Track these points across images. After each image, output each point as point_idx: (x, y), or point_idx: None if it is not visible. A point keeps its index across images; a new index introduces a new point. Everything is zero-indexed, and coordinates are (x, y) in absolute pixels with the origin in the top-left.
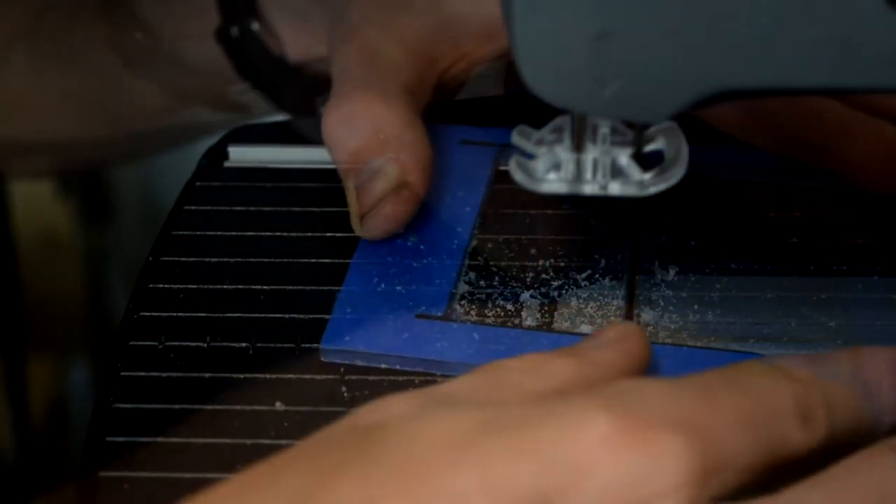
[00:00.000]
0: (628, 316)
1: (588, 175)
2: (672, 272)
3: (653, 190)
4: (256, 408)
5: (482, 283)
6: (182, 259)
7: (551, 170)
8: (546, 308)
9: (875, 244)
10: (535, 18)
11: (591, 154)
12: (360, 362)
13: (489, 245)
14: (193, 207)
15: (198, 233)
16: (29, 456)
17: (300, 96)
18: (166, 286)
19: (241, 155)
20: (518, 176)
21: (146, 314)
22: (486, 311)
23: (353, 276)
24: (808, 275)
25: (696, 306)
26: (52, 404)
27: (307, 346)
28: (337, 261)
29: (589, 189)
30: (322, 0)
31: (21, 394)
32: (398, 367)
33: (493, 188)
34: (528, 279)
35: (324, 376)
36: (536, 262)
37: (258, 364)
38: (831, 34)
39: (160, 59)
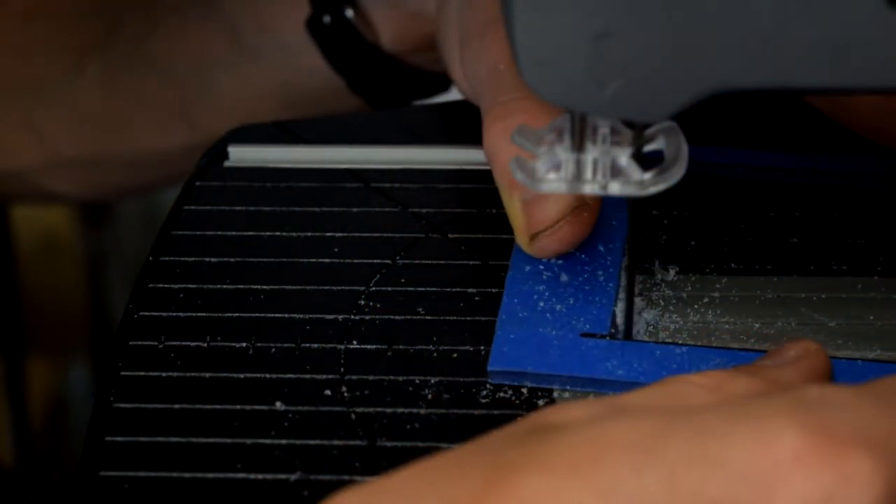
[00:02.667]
0: (628, 316)
1: (588, 175)
2: (672, 272)
3: (653, 190)
4: (256, 408)
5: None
6: (182, 259)
7: (551, 170)
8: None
9: (875, 244)
10: (535, 18)
11: (591, 154)
12: (528, 383)
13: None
14: (193, 207)
15: (198, 233)
16: (29, 456)
17: (393, 89)
18: (166, 286)
19: (241, 155)
20: (518, 176)
21: (146, 314)
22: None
23: (511, 295)
24: (808, 275)
25: (696, 306)
26: (52, 404)
27: (307, 346)
28: (336, 261)
29: (589, 189)
30: None
31: (21, 394)
32: (568, 387)
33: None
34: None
35: (324, 376)
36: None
37: (258, 364)
38: (831, 34)
39: (243, 58)
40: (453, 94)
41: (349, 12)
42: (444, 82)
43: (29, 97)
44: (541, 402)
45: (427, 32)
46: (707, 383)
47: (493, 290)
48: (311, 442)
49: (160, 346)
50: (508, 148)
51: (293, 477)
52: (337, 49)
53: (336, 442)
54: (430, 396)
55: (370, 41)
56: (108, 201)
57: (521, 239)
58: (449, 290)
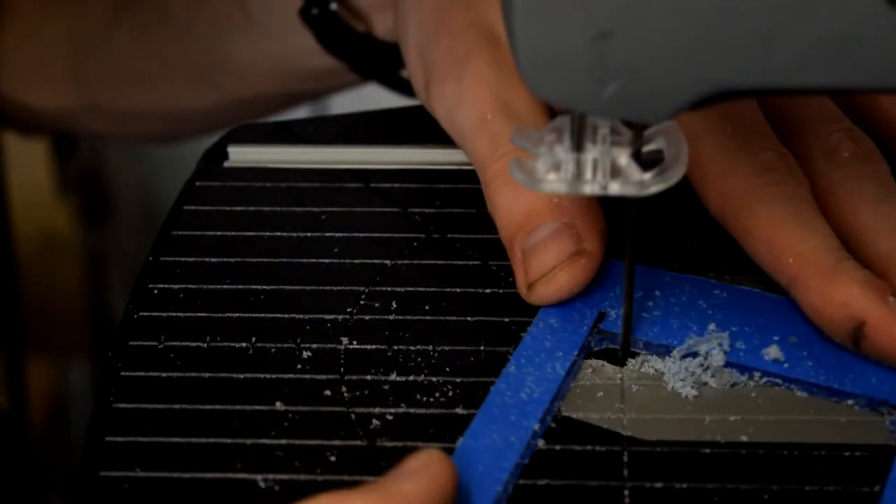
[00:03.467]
0: (627, 315)
1: (588, 175)
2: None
3: (653, 190)
4: (256, 408)
5: None
6: (182, 259)
7: (551, 170)
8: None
9: None
10: (535, 18)
11: (591, 154)
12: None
13: None
14: (193, 207)
15: (197, 233)
16: (29, 456)
17: (391, 67)
18: (166, 286)
19: (241, 155)
20: (518, 176)
21: (146, 314)
22: None
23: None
24: None
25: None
26: (52, 404)
27: (307, 345)
28: (336, 261)
29: (589, 189)
30: None
31: (21, 394)
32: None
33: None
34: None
35: (324, 376)
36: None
37: (258, 364)
38: (831, 34)
39: (253, 29)
40: None
41: (333, 6)
42: None
43: (74, 45)
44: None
45: None
46: None
47: (493, 291)
48: (311, 442)
49: (160, 347)
50: (512, 202)
51: (293, 477)
52: (329, 37)
53: (336, 442)
54: (429, 396)
55: (361, 31)
56: (142, 143)
57: (522, 290)
58: (449, 290)
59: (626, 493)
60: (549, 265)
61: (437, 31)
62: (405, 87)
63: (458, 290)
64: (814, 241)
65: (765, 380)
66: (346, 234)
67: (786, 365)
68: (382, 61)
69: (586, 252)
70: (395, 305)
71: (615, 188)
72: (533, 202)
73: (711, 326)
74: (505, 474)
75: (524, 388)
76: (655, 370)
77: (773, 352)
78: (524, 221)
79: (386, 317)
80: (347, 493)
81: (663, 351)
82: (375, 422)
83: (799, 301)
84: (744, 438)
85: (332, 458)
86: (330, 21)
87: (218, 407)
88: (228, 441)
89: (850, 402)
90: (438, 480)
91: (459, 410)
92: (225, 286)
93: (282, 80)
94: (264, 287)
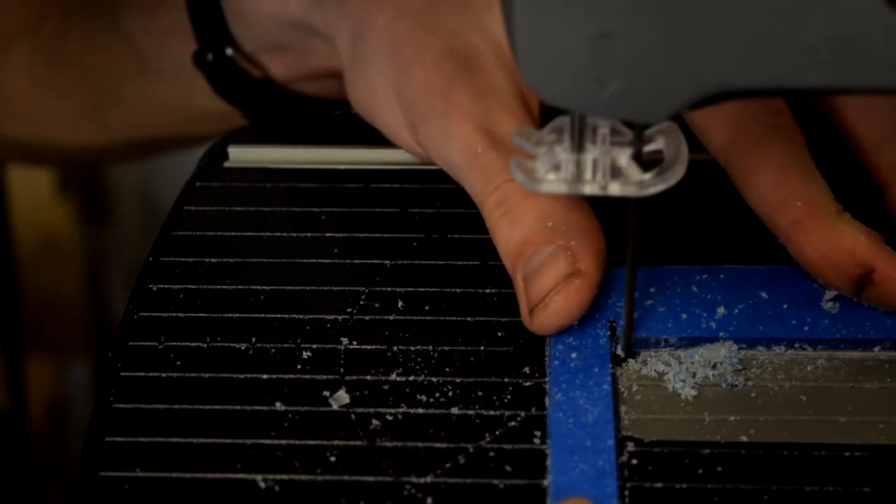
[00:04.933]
0: (628, 316)
1: (588, 175)
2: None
3: (653, 190)
4: (256, 408)
5: None
6: (182, 259)
7: (551, 170)
8: None
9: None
10: (535, 18)
11: (591, 154)
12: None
13: None
14: (193, 208)
15: (197, 233)
16: (29, 456)
17: (284, 113)
18: (166, 286)
19: (241, 155)
20: (518, 176)
21: (146, 314)
22: None
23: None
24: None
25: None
26: (52, 404)
27: (307, 346)
28: (336, 261)
29: (589, 189)
30: (296, 25)
31: (21, 394)
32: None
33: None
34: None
35: (324, 376)
36: None
37: (258, 364)
38: (831, 34)
39: (146, 73)
40: None
41: (228, 51)
42: (344, 104)
43: None
44: (533, 410)
45: (319, 66)
46: None
47: (493, 290)
48: (311, 442)
49: (160, 347)
50: (509, 233)
51: (293, 477)
52: (223, 82)
53: (336, 442)
54: (429, 396)
55: (257, 76)
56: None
57: (525, 320)
58: (449, 290)
59: (627, 493)
60: (545, 289)
61: (408, 67)
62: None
63: (458, 290)
64: (818, 187)
65: (789, 350)
66: (346, 235)
67: (806, 328)
68: (277, 107)
69: (581, 273)
70: (395, 305)
71: (615, 188)
72: (529, 230)
73: (721, 310)
74: (613, 501)
75: (583, 412)
76: (655, 371)
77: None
78: (521, 249)
79: (386, 317)
80: None
81: (678, 345)
82: (375, 422)
83: (798, 244)
84: (744, 438)
85: (332, 458)
86: (224, 66)
87: (218, 407)
88: (228, 441)
89: (876, 348)
90: None
91: (458, 411)
92: (225, 286)
93: (174, 124)
94: (264, 287)
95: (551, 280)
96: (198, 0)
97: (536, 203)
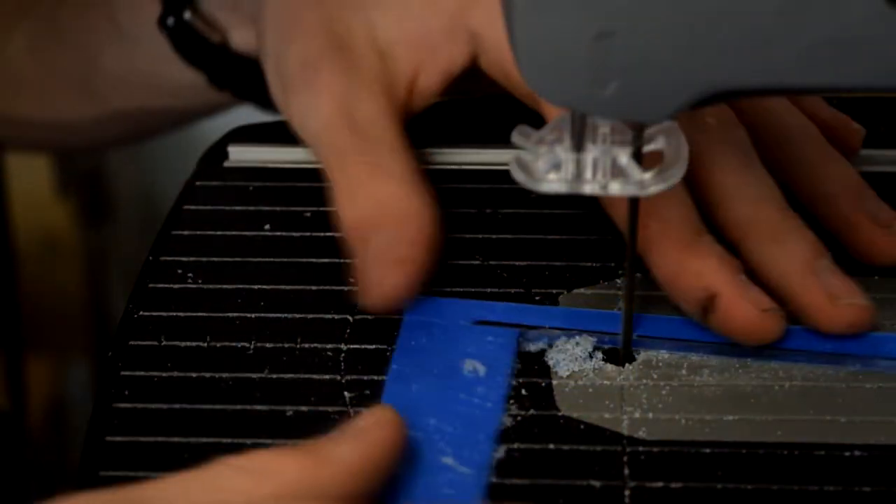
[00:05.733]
0: (628, 315)
1: (588, 175)
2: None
3: (653, 190)
4: (257, 408)
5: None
6: (182, 259)
7: (551, 170)
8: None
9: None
10: (535, 18)
11: (591, 154)
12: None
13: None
14: (193, 207)
15: (198, 233)
16: (29, 456)
17: (246, 81)
18: (166, 286)
19: (241, 155)
20: (518, 176)
21: (146, 314)
22: None
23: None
24: None
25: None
26: (52, 404)
27: (307, 346)
28: (336, 261)
29: (589, 189)
30: None
31: (21, 393)
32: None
33: (518, 383)
34: (526, 280)
35: (324, 376)
36: (537, 262)
37: (258, 364)
38: (831, 34)
39: (122, 37)
40: None
41: (187, 14)
42: None
43: None
44: (534, 410)
45: None
46: (247, 466)
47: (493, 291)
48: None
49: (160, 346)
50: (352, 212)
51: None
52: (185, 47)
53: None
54: None
55: (216, 42)
56: (36, 152)
57: (359, 296)
58: (449, 290)
59: (627, 493)
60: (377, 272)
61: (289, 37)
62: (263, 100)
63: (459, 290)
64: (676, 211)
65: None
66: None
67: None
68: (238, 73)
69: (409, 259)
70: None
71: (615, 188)
72: (366, 211)
73: None
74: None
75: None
76: (655, 370)
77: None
78: (357, 230)
79: (386, 317)
80: (277, 454)
81: (672, 347)
82: None
83: (653, 267)
84: (744, 438)
85: None
86: (186, 31)
87: (218, 407)
88: (228, 441)
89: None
90: (378, 445)
91: None
92: (225, 286)
93: (154, 94)
94: (264, 287)
95: (383, 264)
96: None
97: (377, 188)
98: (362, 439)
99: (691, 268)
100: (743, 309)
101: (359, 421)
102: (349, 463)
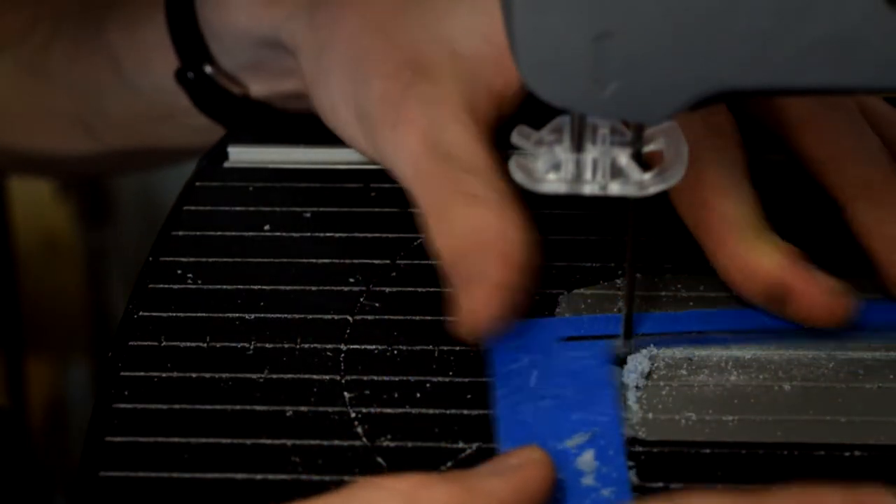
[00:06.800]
0: (628, 316)
1: (588, 175)
2: (670, 273)
3: (653, 190)
4: (256, 408)
5: None
6: (182, 259)
7: (551, 170)
8: (546, 308)
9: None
10: (535, 18)
11: (591, 154)
12: None
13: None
14: (193, 208)
15: (198, 233)
16: (29, 456)
17: (268, 127)
18: (166, 286)
19: (241, 155)
20: (518, 176)
21: (146, 314)
22: None
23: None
24: None
25: (697, 306)
26: (52, 404)
27: (307, 346)
28: (336, 261)
29: (589, 189)
30: (269, 42)
31: (21, 394)
32: None
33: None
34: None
35: (324, 376)
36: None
37: (258, 364)
38: (831, 34)
39: (128, 89)
40: None
41: (208, 69)
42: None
43: None
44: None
45: (296, 86)
46: (400, 489)
47: None
48: (311, 442)
49: (160, 347)
50: (447, 241)
51: (293, 477)
52: (205, 99)
53: (336, 442)
54: (429, 396)
55: (237, 94)
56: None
57: (457, 324)
58: (449, 290)
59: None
60: (473, 299)
61: (367, 79)
62: (285, 139)
63: None
64: (744, 207)
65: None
66: (346, 234)
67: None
68: (258, 121)
69: (505, 285)
70: (395, 305)
71: (615, 188)
72: (463, 242)
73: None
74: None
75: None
76: (656, 370)
77: None
78: (454, 259)
79: (386, 317)
80: (429, 480)
81: (673, 342)
82: (375, 422)
83: (722, 267)
84: (744, 438)
85: (332, 458)
86: (205, 84)
87: (218, 407)
88: (228, 441)
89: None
90: (531, 484)
91: (459, 411)
92: (225, 286)
93: (158, 137)
94: (264, 287)
95: (478, 291)
96: (178, 18)
97: (471, 216)
98: (514, 476)
99: (760, 267)
100: (818, 297)
101: (509, 458)
102: (501, 498)
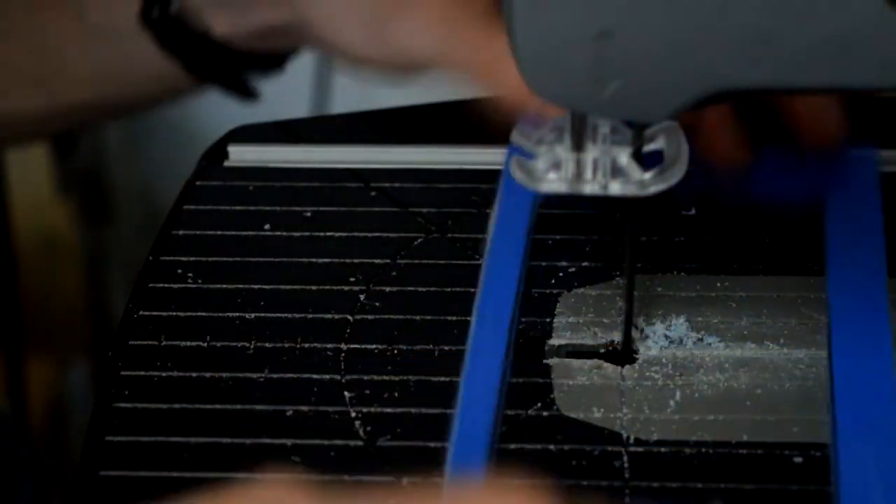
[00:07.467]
0: (628, 315)
1: (588, 175)
2: (673, 270)
3: (653, 190)
4: (256, 408)
5: None
6: (182, 259)
7: (551, 169)
8: (546, 308)
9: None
10: (535, 18)
11: (591, 154)
12: None
13: None
14: (193, 207)
15: (198, 233)
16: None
17: (225, 69)
18: (166, 286)
19: (241, 155)
20: (518, 176)
21: (146, 314)
22: None
23: None
24: (808, 275)
25: (696, 306)
26: (52, 404)
27: (307, 345)
28: (336, 260)
29: (589, 189)
30: None
31: (21, 394)
32: None
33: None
34: (526, 279)
35: (324, 376)
36: (537, 262)
37: (258, 364)
38: (831, 34)
39: (90, 35)
40: (448, 94)
41: (174, 6)
42: (279, 59)
43: None
44: (533, 410)
45: (262, 22)
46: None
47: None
48: (311, 442)
49: (160, 346)
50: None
51: (292, 476)
52: (168, 38)
53: (336, 442)
54: (429, 396)
55: (199, 30)
56: None
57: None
58: (449, 290)
59: (626, 493)
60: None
61: None
62: (242, 90)
63: (458, 289)
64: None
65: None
66: (345, 234)
67: None
68: (220, 62)
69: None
70: (395, 305)
71: (615, 188)
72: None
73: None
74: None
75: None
76: (655, 370)
77: None
78: (519, 97)
79: (386, 317)
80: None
81: (672, 342)
82: (375, 422)
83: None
84: (744, 438)
85: (332, 458)
86: (170, 23)
87: (218, 407)
88: (228, 441)
89: None
90: None
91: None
92: (225, 286)
93: (117, 86)
94: (264, 287)
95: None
96: None
97: None
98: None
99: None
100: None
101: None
102: None
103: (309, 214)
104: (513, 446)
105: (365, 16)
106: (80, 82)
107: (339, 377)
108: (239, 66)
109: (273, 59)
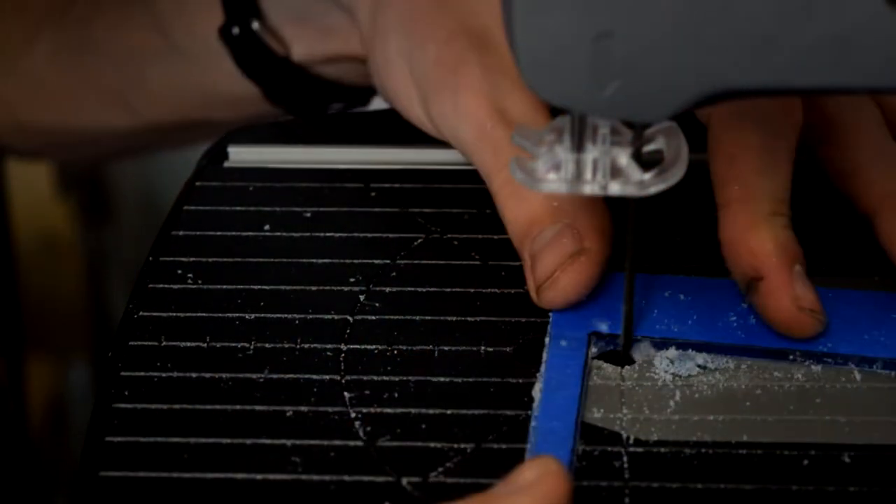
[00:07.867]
0: (627, 316)
1: (588, 175)
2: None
3: (653, 190)
4: (256, 408)
5: None
6: (182, 259)
7: (551, 170)
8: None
9: (874, 246)
10: (535, 18)
11: (591, 154)
12: None
13: None
14: (193, 207)
15: (198, 233)
16: (29, 456)
17: (304, 96)
18: (166, 286)
19: (241, 155)
20: (518, 176)
21: (146, 314)
22: None
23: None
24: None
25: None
26: (52, 404)
27: (307, 346)
28: (335, 261)
29: (589, 189)
30: None
31: (21, 394)
32: None
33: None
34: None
35: (324, 376)
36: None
37: (258, 364)
38: (831, 34)
39: (172, 54)
40: None
41: (255, 25)
42: (363, 94)
43: None
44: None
45: (340, 50)
46: None
47: (493, 291)
48: (311, 442)
49: (160, 347)
50: (517, 211)
51: (293, 477)
52: (247, 58)
53: (336, 442)
54: (429, 396)
55: (279, 54)
56: (71, 164)
57: (532, 295)
58: (449, 290)
59: (626, 493)
60: (551, 268)
61: (422, 42)
62: (314, 113)
63: (459, 289)
64: (770, 183)
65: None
66: (345, 234)
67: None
68: (297, 87)
69: (586, 251)
70: (395, 305)
71: (615, 188)
72: (535, 208)
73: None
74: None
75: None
76: (655, 370)
77: None
78: (529, 228)
79: (386, 317)
80: None
81: (666, 346)
82: (375, 422)
83: (720, 228)
84: (744, 438)
85: (332, 458)
86: (249, 42)
87: (218, 407)
88: (228, 441)
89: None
90: (552, 496)
91: (460, 411)
92: (225, 286)
93: (197, 107)
94: (264, 287)
95: (557, 258)
96: None
97: None
98: (535, 492)
99: (749, 243)
100: (782, 300)
101: (525, 472)
102: None
103: (309, 215)
104: (512, 446)
105: (413, 78)
106: (161, 101)
107: (338, 378)
108: (320, 95)
109: (356, 93)
